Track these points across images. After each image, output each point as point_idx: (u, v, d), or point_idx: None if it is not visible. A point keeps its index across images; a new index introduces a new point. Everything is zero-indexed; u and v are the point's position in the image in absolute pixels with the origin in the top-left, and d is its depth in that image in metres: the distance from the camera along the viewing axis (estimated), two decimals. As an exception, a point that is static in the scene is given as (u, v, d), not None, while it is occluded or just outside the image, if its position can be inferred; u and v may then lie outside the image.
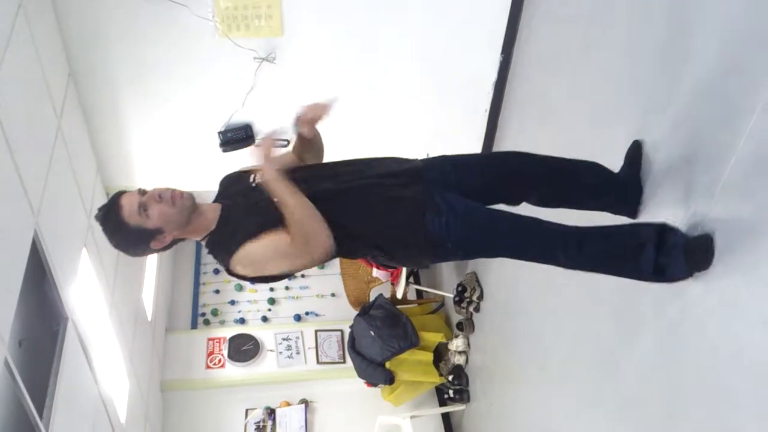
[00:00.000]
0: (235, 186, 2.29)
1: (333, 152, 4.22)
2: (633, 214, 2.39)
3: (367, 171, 2.29)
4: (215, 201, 2.26)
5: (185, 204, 2.08)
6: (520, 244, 2.18)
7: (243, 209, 2.16)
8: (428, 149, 4.28)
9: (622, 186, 2.42)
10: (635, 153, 2.45)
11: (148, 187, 2.07)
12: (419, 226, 2.11)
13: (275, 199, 2.05)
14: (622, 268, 2.14)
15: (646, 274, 2.06)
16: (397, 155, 2.40)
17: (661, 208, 2.26)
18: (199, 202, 2.13)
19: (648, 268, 2.02)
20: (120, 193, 2.08)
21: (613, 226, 2.19)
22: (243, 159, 4.04)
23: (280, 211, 2.04)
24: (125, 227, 2.03)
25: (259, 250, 2.04)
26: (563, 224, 2.15)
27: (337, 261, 6.29)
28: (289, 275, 2.23)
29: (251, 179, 2.23)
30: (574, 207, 2.41)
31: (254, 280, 2.18)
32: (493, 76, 3.97)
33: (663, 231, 2.06)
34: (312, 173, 2.29)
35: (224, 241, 2.10)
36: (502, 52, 3.87)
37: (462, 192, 2.22)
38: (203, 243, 2.19)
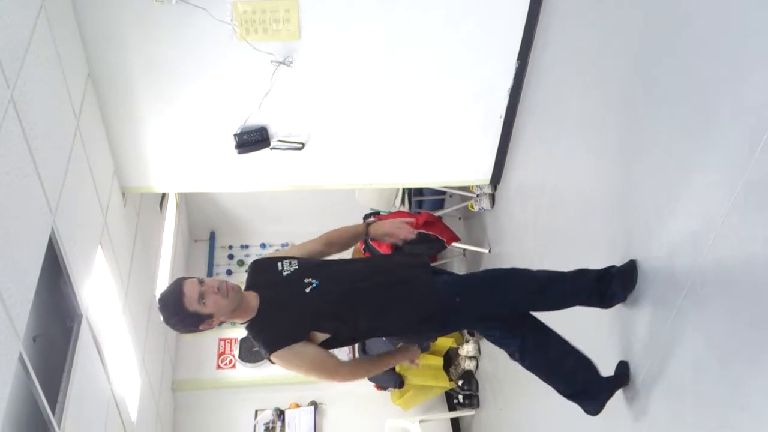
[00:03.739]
0: (267, 275, 2.58)
1: (349, 153, 4.28)
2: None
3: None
4: (248, 288, 2.56)
5: (236, 296, 2.40)
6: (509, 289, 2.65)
7: (279, 302, 2.48)
8: (443, 153, 4.31)
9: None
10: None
11: (205, 278, 2.42)
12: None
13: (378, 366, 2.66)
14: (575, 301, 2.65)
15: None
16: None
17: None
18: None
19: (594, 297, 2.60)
20: (182, 280, 2.39)
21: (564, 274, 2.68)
22: (259, 162, 4.11)
23: (311, 315, 2.45)
24: (184, 311, 2.34)
25: (305, 359, 2.45)
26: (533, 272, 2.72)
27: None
28: None
29: (280, 267, 2.55)
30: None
31: None
32: (508, 82, 3.98)
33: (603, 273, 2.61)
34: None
35: (266, 333, 2.46)
36: (518, 59, 3.87)
37: None
38: (245, 326, 2.52)
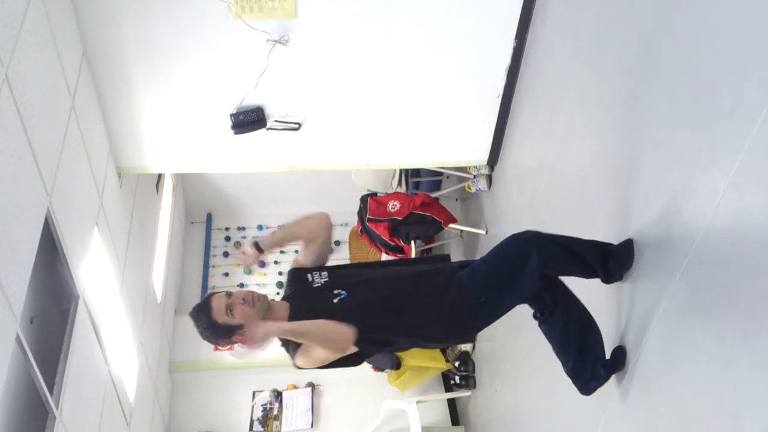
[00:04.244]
0: (299, 285, 2.66)
1: (346, 134, 4.26)
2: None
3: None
4: (284, 298, 2.66)
5: (262, 305, 2.48)
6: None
7: (307, 312, 2.49)
8: (440, 133, 4.29)
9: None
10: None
11: (233, 290, 2.50)
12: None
13: (289, 338, 2.45)
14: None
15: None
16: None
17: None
18: (271, 301, 2.54)
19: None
20: (211, 295, 2.49)
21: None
22: (255, 142, 4.09)
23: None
24: (215, 324, 2.43)
25: (313, 325, 2.41)
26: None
27: (345, 246, 6.31)
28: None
29: (310, 279, 2.64)
30: None
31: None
32: (506, 61, 3.96)
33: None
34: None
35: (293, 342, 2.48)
36: (516, 38, 3.84)
37: None
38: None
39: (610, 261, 2.62)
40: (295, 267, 2.76)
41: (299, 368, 2.57)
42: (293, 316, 2.52)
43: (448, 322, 2.60)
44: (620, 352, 2.70)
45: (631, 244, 2.61)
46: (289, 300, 2.63)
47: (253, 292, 2.49)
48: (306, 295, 2.61)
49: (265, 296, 2.52)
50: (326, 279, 2.64)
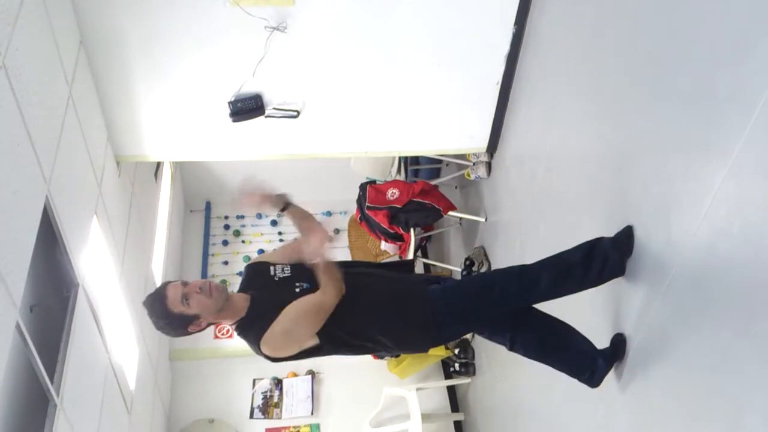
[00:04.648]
0: (261, 278, 2.61)
1: (345, 121, 4.25)
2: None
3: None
4: (241, 290, 2.62)
5: (220, 296, 2.43)
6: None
7: (268, 303, 2.47)
8: (439, 121, 4.28)
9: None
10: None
11: (190, 280, 2.45)
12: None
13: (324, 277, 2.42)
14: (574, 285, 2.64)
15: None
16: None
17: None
18: (229, 293, 2.50)
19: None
20: (166, 284, 2.44)
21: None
22: (254, 130, 4.07)
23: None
24: (169, 314, 2.38)
25: (283, 320, 2.40)
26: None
27: (345, 233, 6.30)
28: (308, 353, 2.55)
29: (272, 272, 2.59)
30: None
31: (276, 359, 2.54)
32: (505, 48, 3.94)
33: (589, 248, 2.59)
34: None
35: (254, 331, 2.46)
36: (515, 24, 3.83)
37: None
38: (233, 327, 2.54)
39: (610, 250, 2.57)
40: (254, 262, 2.75)
41: (267, 357, 2.51)
42: (253, 308, 2.50)
43: (404, 327, 2.58)
44: (619, 340, 2.69)
45: (631, 231, 2.59)
46: (249, 292, 2.58)
47: (211, 282, 2.45)
48: (267, 288, 2.57)
49: (224, 287, 2.48)
50: (288, 273, 2.60)
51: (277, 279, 2.59)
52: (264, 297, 2.53)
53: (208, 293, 2.40)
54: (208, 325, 2.50)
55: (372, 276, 2.74)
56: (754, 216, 1.90)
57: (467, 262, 5.09)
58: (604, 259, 2.56)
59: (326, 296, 2.42)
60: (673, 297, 2.32)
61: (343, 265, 2.57)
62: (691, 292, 2.22)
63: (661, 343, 2.41)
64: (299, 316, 2.42)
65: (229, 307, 2.48)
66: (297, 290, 2.50)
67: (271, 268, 2.63)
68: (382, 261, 5.04)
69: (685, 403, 2.27)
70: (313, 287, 2.47)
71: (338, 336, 2.52)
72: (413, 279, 2.93)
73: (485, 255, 4.94)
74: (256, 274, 2.66)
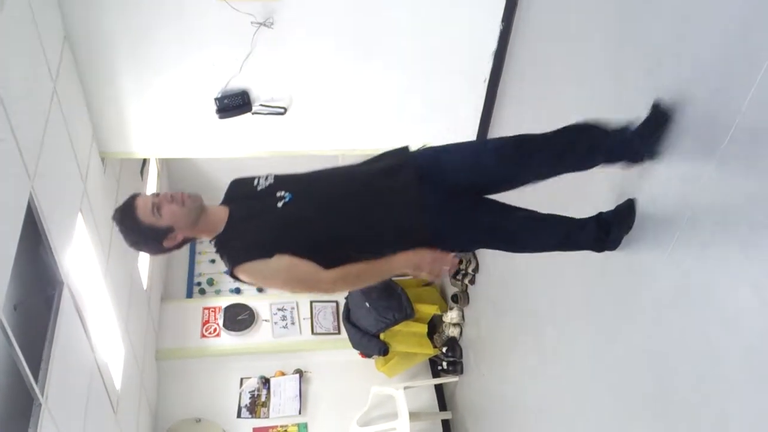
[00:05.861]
0: (241, 189, 2.43)
1: (332, 118, 4.22)
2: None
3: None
4: (223, 203, 2.40)
5: (194, 205, 2.24)
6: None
7: (249, 216, 2.30)
8: (427, 117, 4.28)
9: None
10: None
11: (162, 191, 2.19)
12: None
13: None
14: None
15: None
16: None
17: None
18: (207, 204, 2.30)
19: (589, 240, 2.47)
20: (135, 195, 2.25)
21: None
22: (241, 127, 4.05)
23: (281, 228, 2.24)
24: (140, 226, 2.19)
25: (273, 268, 2.20)
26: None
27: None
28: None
29: (255, 183, 2.39)
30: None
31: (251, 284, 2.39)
32: (492, 45, 3.94)
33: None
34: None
35: (232, 247, 2.28)
36: (503, 21, 3.82)
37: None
38: (212, 242, 2.34)
39: (612, 224, 2.48)
40: (236, 179, 2.52)
41: (233, 277, 2.29)
42: (231, 220, 2.31)
43: (398, 228, 2.33)
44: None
45: (632, 204, 2.50)
46: (228, 204, 2.38)
47: (183, 192, 2.25)
48: (248, 199, 2.37)
49: (198, 196, 2.28)
50: (271, 182, 2.39)
51: (259, 189, 2.38)
52: (242, 210, 2.34)
53: (181, 202, 2.21)
54: (186, 240, 2.32)
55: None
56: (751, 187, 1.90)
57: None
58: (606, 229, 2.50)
59: (326, 286, 2.24)
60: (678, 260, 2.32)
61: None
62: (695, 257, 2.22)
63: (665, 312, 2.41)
64: (289, 278, 2.25)
65: (205, 221, 2.29)
66: (279, 204, 2.29)
67: (256, 180, 2.42)
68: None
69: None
70: (295, 199, 2.29)
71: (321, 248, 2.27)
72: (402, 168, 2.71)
73: (473, 253, 4.94)
74: (238, 186, 2.48)
